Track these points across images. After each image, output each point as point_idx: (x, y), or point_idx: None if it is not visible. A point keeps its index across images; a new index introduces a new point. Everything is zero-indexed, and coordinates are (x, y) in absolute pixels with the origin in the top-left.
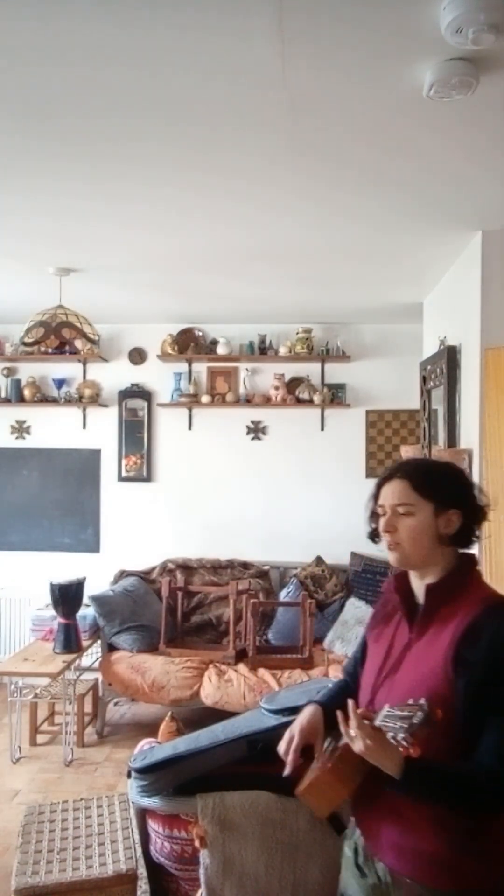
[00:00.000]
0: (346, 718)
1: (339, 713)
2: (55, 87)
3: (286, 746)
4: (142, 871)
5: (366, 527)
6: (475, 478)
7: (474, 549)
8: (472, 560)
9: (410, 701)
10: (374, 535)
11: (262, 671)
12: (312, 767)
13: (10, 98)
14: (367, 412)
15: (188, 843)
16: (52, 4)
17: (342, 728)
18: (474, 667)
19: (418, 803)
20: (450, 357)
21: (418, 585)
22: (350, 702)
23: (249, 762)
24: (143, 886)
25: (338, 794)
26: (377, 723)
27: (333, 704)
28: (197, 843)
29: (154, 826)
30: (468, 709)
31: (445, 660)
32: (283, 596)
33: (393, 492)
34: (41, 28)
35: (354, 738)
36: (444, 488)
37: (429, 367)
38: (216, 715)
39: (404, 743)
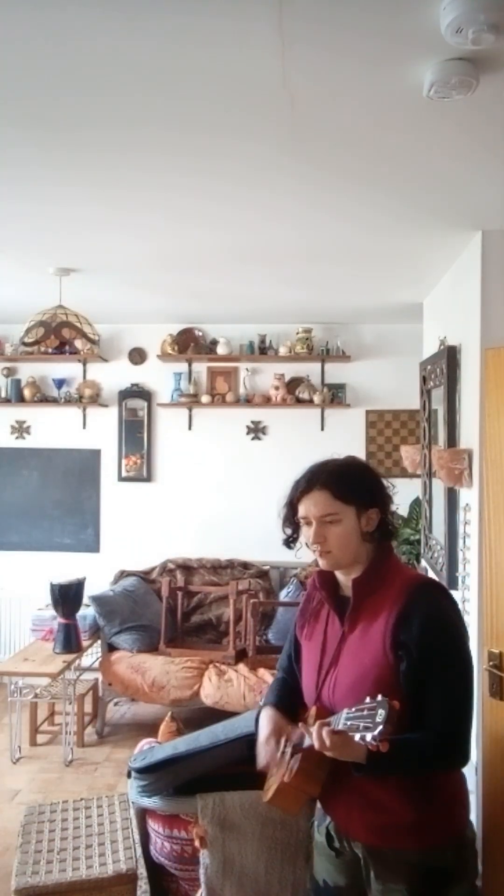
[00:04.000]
0: (305, 722)
1: (301, 725)
2: (55, 93)
3: (268, 757)
4: (142, 871)
5: (280, 534)
6: (475, 478)
7: (474, 548)
8: (388, 548)
9: (367, 700)
10: (290, 542)
11: (262, 671)
12: (272, 773)
13: (12, 104)
14: (367, 412)
15: (188, 843)
16: (53, 12)
17: (307, 732)
18: (412, 647)
19: (381, 781)
20: (450, 357)
21: (344, 580)
22: (312, 709)
23: (249, 762)
24: (143, 886)
25: (307, 793)
26: (340, 726)
27: (283, 703)
28: (197, 843)
29: (154, 826)
30: (412, 686)
31: (385, 646)
32: (283, 596)
33: (316, 503)
34: (41, 37)
35: (324, 744)
36: (362, 491)
37: (429, 367)
38: (216, 715)
39: (373, 742)
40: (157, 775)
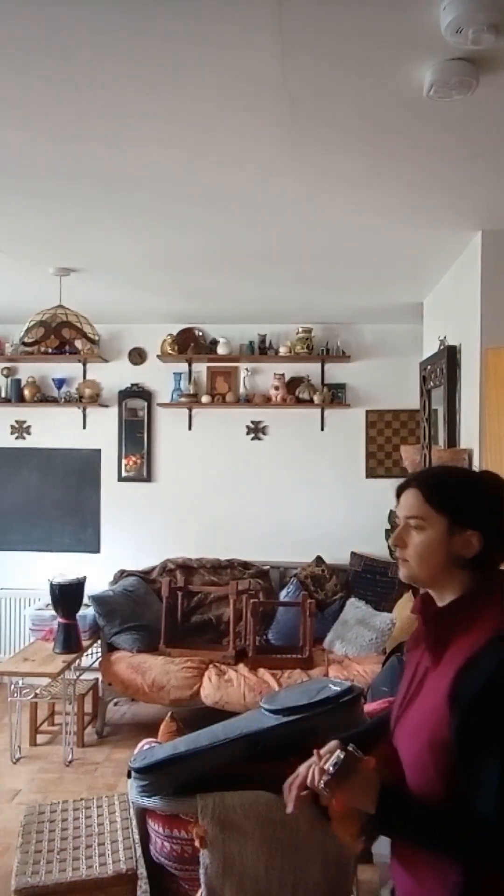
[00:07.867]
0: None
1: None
2: (55, 88)
3: (289, 782)
4: (142, 871)
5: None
6: None
7: None
8: (494, 583)
9: (350, 746)
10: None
11: (262, 671)
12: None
13: (10, 99)
14: (367, 412)
15: (188, 843)
16: (54, 12)
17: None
18: (467, 704)
19: (422, 851)
20: (450, 357)
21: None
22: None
23: (249, 762)
24: (143, 886)
25: (347, 831)
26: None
27: (355, 739)
28: (197, 843)
29: (154, 826)
30: (462, 752)
31: (445, 696)
32: (283, 596)
33: (406, 502)
34: (43, 32)
35: (313, 782)
36: (460, 503)
37: (429, 367)
38: (216, 715)
39: (325, 793)
40: (157, 775)
